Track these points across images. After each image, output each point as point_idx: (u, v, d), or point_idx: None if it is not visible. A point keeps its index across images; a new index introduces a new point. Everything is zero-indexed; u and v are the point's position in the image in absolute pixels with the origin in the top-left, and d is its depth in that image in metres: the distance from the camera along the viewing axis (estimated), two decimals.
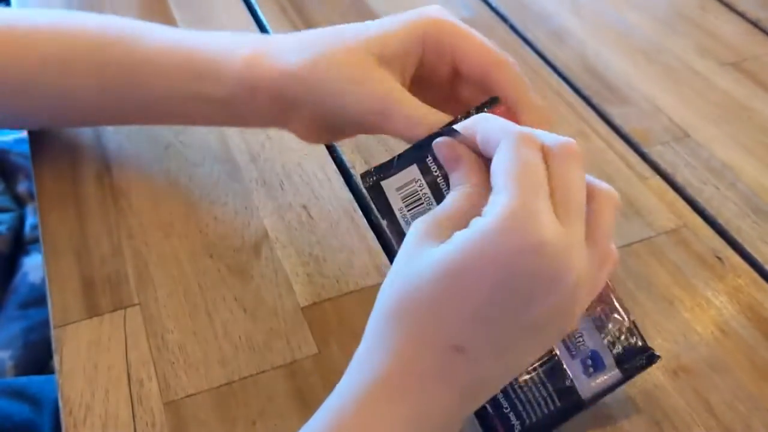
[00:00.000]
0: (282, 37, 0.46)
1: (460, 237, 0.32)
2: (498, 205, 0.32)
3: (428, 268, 0.32)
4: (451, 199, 0.35)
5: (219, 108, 0.47)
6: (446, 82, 0.44)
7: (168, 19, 0.72)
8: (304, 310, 0.47)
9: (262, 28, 0.71)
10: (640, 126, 0.61)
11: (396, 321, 0.33)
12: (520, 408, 0.39)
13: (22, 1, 0.74)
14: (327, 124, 0.45)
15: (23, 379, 0.64)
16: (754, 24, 0.73)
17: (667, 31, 0.72)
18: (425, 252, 0.33)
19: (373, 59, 0.42)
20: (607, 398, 0.42)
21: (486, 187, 0.34)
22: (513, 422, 0.39)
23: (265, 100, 0.45)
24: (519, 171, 0.32)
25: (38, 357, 0.69)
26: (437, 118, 0.40)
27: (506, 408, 0.39)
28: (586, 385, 0.40)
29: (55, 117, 0.54)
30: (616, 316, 0.40)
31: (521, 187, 0.32)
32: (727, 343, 0.46)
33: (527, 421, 0.39)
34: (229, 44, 0.47)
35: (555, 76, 0.66)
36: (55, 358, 0.44)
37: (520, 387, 0.39)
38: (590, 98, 0.64)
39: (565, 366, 0.39)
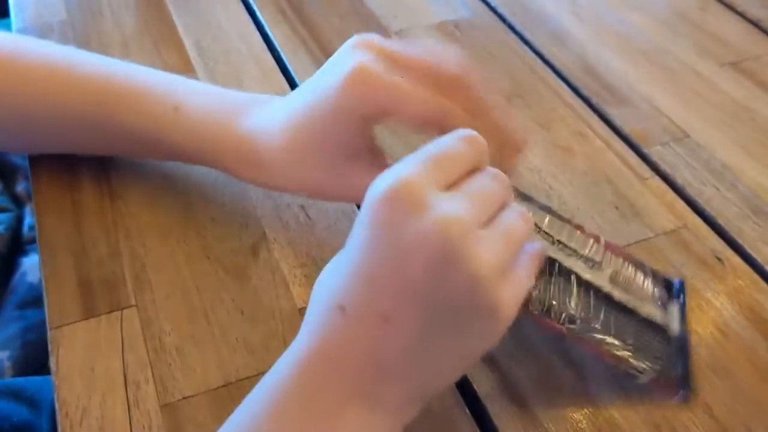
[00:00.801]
0: (263, 111, 0.47)
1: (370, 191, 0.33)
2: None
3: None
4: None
5: (211, 164, 0.50)
6: None
7: (166, 20, 0.71)
8: (302, 312, 0.46)
9: (261, 30, 0.71)
10: (639, 127, 0.61)
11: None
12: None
13: (20, 3, 0.74)
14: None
15: (21, 380, 0.64)
16: (755, 24, 0.72)
17: (666, 32, 0.72)
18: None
19: (309, 151, 0.44)
20: (607, 400, 0.42)
21: None
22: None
23: (255, 166, 0.47)
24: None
25: (36, 357, 0.69)
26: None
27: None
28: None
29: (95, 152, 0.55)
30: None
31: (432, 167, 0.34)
32: (727, 344, 0.45)
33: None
34: (210, 123, 0.48)
35: (554, 76, 0.66)
36: (52, 360, 0.44)
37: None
38: (590, 99, 0.64)
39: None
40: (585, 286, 0.42)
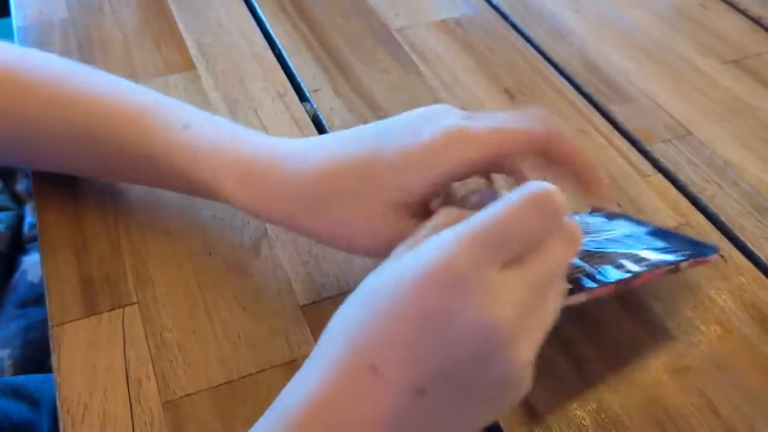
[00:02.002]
0: (271, 164, 0.43)
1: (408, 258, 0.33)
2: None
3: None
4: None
5: (216, 198, 0.46)
6: None
7: (167, 18, 0.71)
8: (303, 309, 0.46)
9: (262, 28, 0.71)
10: (641, 124, 0.61)
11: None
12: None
13: (21, 1, 0.74)
14: None
15: (21, 378, 0.64)
16: (756, 21, 0.72)
17: (668, 29, 0.71)
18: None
19: (392, 213, 0.40)
20: (610, 399, 0.42)
21: None
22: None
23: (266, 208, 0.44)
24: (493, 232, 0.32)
25: (37, 356, 0.69)
26: None
27: None
28: None
29: (76, 171, 0.53)
30: None
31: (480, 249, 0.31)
32: (731, 341, 0.45)
33: None
34: (227, 159, 0.44)
35: (556, 73, 0.66)
36: (53, 357, 0.44)
37: None
38: (591, 96, 0.64)
39: None
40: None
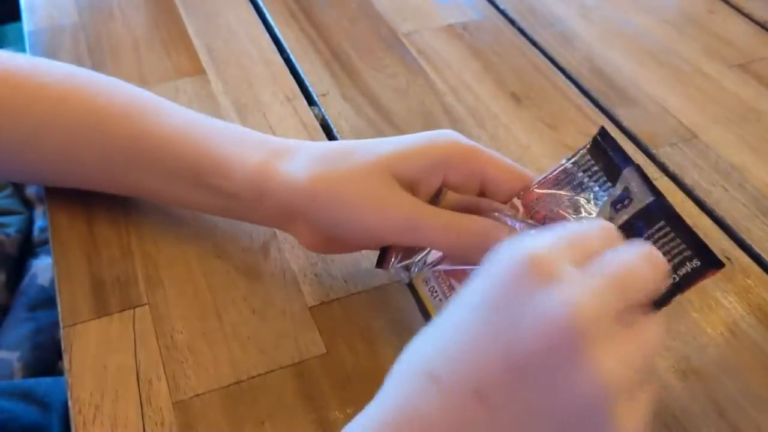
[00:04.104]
0: (296, 147, 0.45)
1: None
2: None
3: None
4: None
5: (223, 200, 0.46)
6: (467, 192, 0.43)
7: (176, 22, 0.72)
8: (312, 311, 0.47)
9: (271, 32, 0.71)
10: (647, 127, 0.61)
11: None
12: None
13: (31, 5, 0.74)
14: (335, 237, 0.44)
15: (31, 381, 0.65)
16: (762, 26, 0.73)
17: (674, 33, 0.72)
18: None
19: (393, 178, 0.41)
20: None
21: None
22: None
23: (272, 206, 0.44)
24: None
25: (46, 358, 0.69)
26: (469, 221, 0.40)
27: None
28: None
29: (57, 178, 0.52)
30: None
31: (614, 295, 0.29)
32: (737, 344, 0.45)
33: None
34: (243, 144, 0.46)
35: (563, 78, 0.66)
36: (65, 358, 0.44)
37: None
38: (598, 100, 0.64)
39: None
40: None
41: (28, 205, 0.86)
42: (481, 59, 0.68)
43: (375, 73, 0.66)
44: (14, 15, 0.79)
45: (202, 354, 0.44)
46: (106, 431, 0.41)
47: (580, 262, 0.30)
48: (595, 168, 0.40)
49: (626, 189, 0.38)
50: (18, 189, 0.87)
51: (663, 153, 0.59)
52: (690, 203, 0.54)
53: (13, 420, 0.56)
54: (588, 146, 0.41)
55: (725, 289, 0.48)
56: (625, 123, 0.61)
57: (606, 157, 0.40)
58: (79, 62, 0.66)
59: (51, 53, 0.68)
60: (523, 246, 0.30)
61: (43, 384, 0.61)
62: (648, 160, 0.58)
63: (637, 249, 0.31)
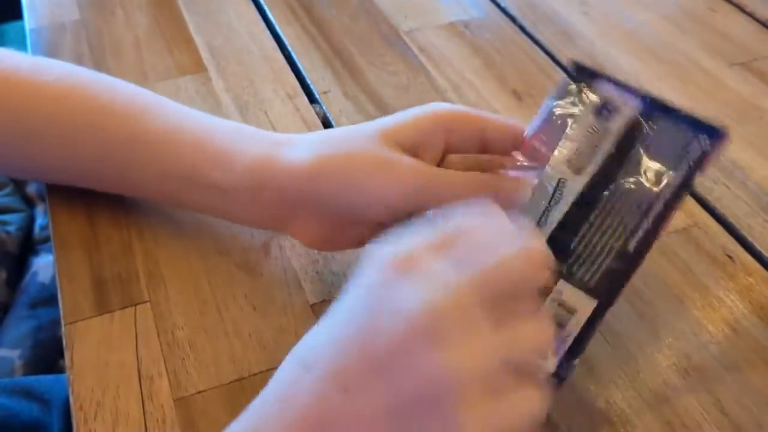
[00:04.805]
0: (297, 137, 0.45)
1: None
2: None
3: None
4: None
5: (218, 196, 0.45)
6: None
7: (178, 20, 0.72)
8: (313, 308, 0.47)
9: (272, 30, 0.71)
10: None
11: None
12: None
13: (32, 3, 0.74)
14: (340, 222, 0.44)
15: (32, 379, 0.65)
16: (764, 24, 0.72)
17: (675, 31, 0.72)
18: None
19: (396, 146, 0.41)
20: (617, 397, 0.42)
21: None
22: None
23: (271, 199, 0.43)
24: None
25: (47, 356, 0.69)
26: (484, 177, 0.40)
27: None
28: None
29: (58, 176, 0.52)
30: None
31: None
32: (738, 341, 0.45)
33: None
34: (244, 137, 0.46)
35: (564, 75, 0.66)
36: (66, 355, 0.44)
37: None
38: None
39: None
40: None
41: (29, 202, 0.86)
42: (482, 57, 0.68)
43: (376, 70, 0.66)
44: (15, 13, 0.79)
45: (203, 351, 0.44)
46: (108, 428, 0.41)
47: (455, 257, 0.30)
48: (578, 97, 0.41)
49: (607, 100, 0.39)
50: (19, 187, 0.87)
51: None
52: (691, 201, 0.54)
53: (14, 417, 0.56)
54: (567, 80, 0.42)
55: (727, 287, 0.48)
56: None
57: (586, 84, 0.41)
58: (81, 60, 0.66)
59: (52, 51, 0.68)
60: (390, 246, 0.31)
61: (43, 381, 0.61)
62: None
63: (516, 245, 0.31)
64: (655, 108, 0.38)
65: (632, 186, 0.38)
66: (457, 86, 0.65)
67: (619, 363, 0.44)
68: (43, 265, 0.78)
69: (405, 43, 0.70)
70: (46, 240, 0.81)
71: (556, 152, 0.39)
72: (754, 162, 0.57)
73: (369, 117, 0.61)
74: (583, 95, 0.40)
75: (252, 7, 0.74)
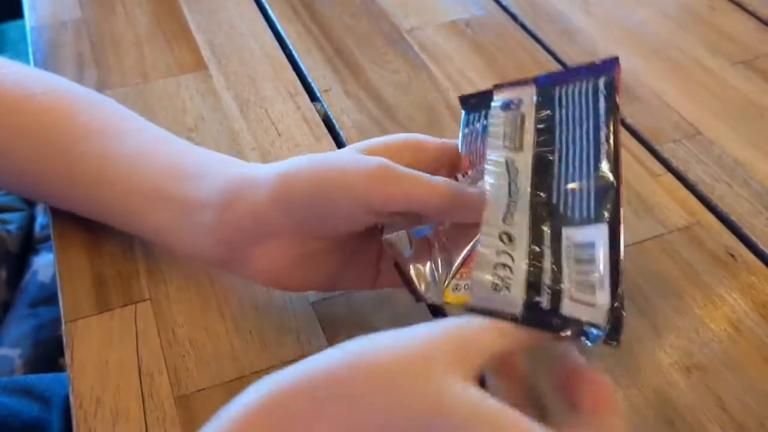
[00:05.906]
0: (270, 164, 0.43)
1: None
2: None
3: None
4: None
5: (182, 214, 0.43)
6: None
7: (179, 18, 0.72)
8: (314, 306, 0.47)
9: (273, 28, 0.71)
10: (651, 123, 0.61)
11: None
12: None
13: (33, 1, 0.74)
14: (301, 249, 0.41)
15: (32, 377, 0.65)
16: (765, 22, 0.72)
17: (677, 29, 0.71)
18: None
19: (365, 153, 0.41)
20: (619, 395, 0.42)
21: None
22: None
23: (235, 218, 0.41)
24: None
25: (48, 355, 0.69)
26: (459, 184, 0.39)
27: None
28: None
29: (31, 193, 0.52)
30: None
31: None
32: (741, 340, 0.45)
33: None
34: (216, 161, 0.45)
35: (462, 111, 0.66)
36: (66, 353, 0.44)
37: None
38: None
39: None
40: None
41: (30, 201, 0.86)
42: (483, 55, 0.68)
43: (377, 69, 0.66)
44: (16, 13, 0.79)
45: (204, 349, 0.44)
46: (108, 425, 0.41)
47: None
48: (484, 111, 0.44)
49: (506, 97, 0.42)
50: None
51: (666, 149, 0.58)
52: (693, 200, 0.54)
53: (14, 416, 0.56)
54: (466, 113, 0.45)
55: (729, 286, 0.48)
56: (628, 119, 0.61)
57: (483, 101, 0.44)
58: (81, 58, 0.66)
59: (53, 49, 0.68)
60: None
61: (43, 380, 0.61)
62: (651, 157, 0.58)
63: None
64: (549, 78, 0.41)
65: (576, 131, 0.39)
66: (459, 84, 0.64)
67: (621, 361, 0.44)
68: (43, 264, 0.78)
69: (406, 42, 0.70)
70: (47, 239, 0.81)
71: (488, 150, 0.39)
72: (757, 160, 0.57)
73: (370, 115, 0.61)
74: (486, 108, 0.43)
75: (253, 5, 0.74)
